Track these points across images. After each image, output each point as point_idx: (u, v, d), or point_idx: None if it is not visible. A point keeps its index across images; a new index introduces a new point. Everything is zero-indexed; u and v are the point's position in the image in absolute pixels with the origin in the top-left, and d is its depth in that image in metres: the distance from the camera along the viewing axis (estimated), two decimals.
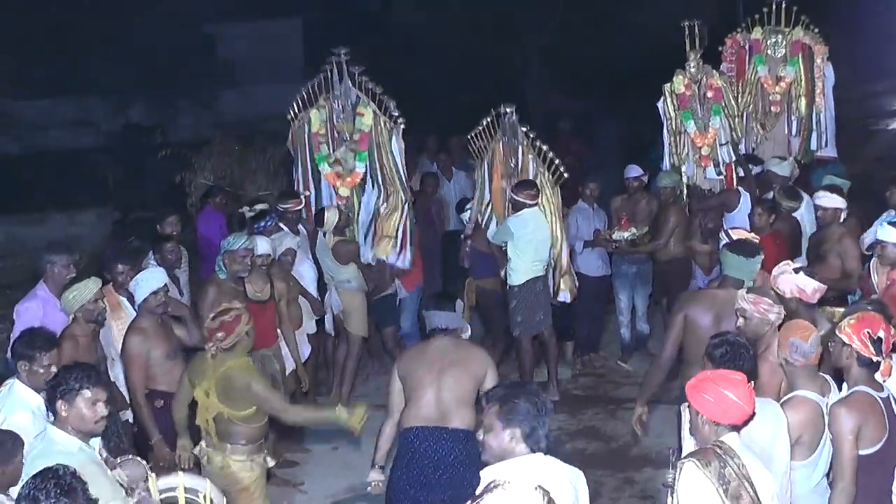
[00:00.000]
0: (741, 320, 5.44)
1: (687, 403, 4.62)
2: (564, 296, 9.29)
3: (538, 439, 3.83)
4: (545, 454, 3.86)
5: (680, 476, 4.12)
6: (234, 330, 5.76)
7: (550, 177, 9.20)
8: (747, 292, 5.54)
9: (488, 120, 9.46)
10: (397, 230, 9.28)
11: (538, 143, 9.25)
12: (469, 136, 9.70)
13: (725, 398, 4.10)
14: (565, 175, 9.20)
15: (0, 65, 17.84)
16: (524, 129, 9.30)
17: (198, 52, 20.66)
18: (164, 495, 3.77)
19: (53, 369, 5.34)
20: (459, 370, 5.63)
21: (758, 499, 4.05)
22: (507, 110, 9.33)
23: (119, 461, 4.97)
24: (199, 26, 21.70)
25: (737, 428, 4.18)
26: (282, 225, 8.75)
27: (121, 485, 4.60)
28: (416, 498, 5.55)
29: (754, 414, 4.28)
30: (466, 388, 5.61)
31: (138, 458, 5.06)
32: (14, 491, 4.18)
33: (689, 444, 4.64)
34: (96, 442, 4.86)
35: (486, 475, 3.89)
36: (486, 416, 3.92)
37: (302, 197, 9.22)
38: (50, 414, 4.78)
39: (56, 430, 4.64)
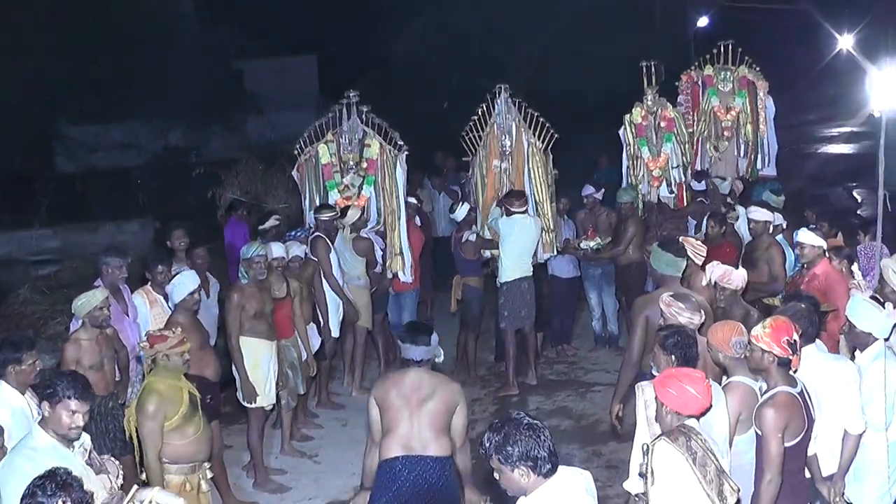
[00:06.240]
0: (661, 319, 5.41)
1: (644, 383, 4.61)
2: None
3: (545, 462, 3.52)
4: (556, 468, 3.57)
5: (653, 454, 4.03)
6: (154, 346, 5.32)
7: (540, 143, 9.25)
8: (669, 296, 5.47)
9: (483, 107, 9.41)
10: (401, 246, 9.18)
11: (529, 111, 9.28)
12: (464, 131, 9.57)
13: (686, 392, 4.04)
14: (556, 136, 9.25)
15: (58, 95, 17.78)
16: (517, 100, 9.34)
17: (227, 85, 20.57)
18: None
19: (38, 366, 5.20)
20: (434, 402, 5.06)
21: (721, 466, 4.02)
22: (502, 87, 9.37)
23: (104, 458, 4.57)
24: (229, 63, 21.66)
25: (696, 417, 4.11)
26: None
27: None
28: None
29: (711, 406, 4.21)
30: (442, 420, 5.07)
31: (113, 459, 4.65)
32: None
33: (643, 418, 4.62)
34: (82, 441, 4.47)
35: None
36: (491, 462, 3.58)
37: (337, 209, 8.89)
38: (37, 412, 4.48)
39: (38, 429, 4.38)
